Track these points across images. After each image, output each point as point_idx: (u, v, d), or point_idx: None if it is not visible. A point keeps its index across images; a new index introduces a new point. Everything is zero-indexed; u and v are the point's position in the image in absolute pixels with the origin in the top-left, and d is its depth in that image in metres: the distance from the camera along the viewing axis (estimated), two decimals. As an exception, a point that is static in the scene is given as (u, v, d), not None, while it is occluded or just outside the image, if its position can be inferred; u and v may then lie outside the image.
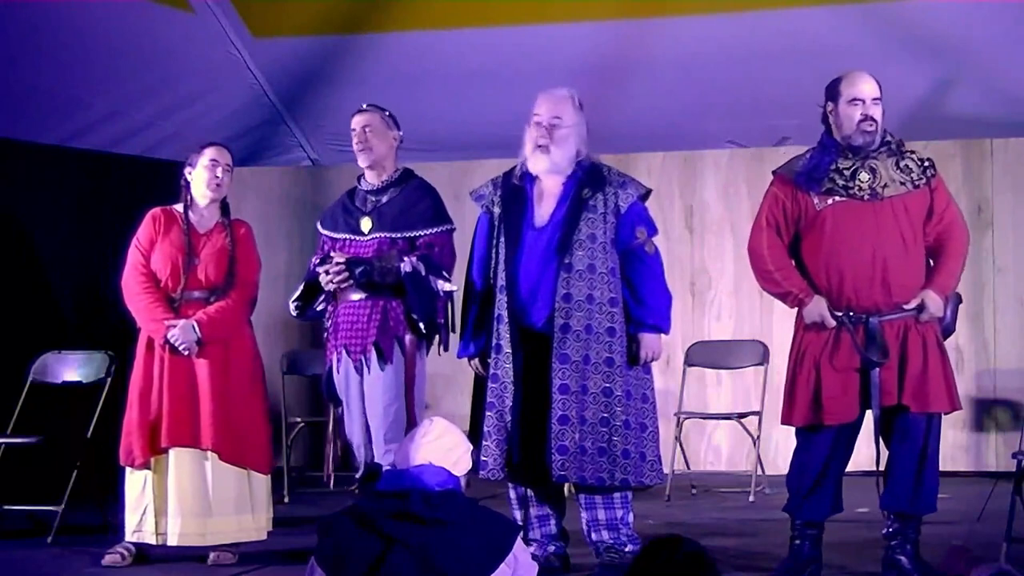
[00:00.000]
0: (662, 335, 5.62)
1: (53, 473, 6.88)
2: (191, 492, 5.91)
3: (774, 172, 5.60)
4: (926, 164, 5.46)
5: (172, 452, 5.92)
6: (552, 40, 8.53)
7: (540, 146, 5.58)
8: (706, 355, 8.31)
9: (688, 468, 8.14)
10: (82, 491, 6.78)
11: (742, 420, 7.99)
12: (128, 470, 5.99)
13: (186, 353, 5.94)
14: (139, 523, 5.96)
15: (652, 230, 5.66)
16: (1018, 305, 8.51)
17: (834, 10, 8.18)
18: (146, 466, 5.94)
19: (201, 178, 6.06)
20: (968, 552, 5.63)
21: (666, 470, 6.22)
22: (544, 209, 5.63)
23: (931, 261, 5.47)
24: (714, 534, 6.55)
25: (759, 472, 7.76)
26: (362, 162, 6.04)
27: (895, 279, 5.34)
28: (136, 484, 5.98)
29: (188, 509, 5.90)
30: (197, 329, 5.93)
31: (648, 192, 5.72)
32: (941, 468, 5.48)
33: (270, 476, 6.15)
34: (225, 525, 5.97)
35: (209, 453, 5.92)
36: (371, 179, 6.06)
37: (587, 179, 5.60)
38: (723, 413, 8.41)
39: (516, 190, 5.67)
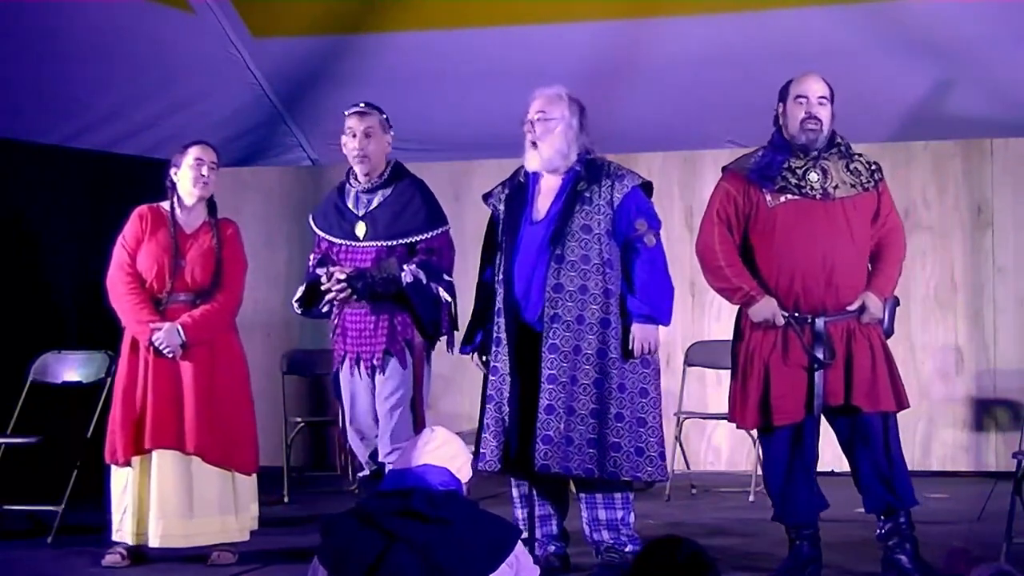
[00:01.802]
0: (659, 327, 5.59)
1: (53, 473, 6.87)
2: (174, 493, 5.88)
3: (724, 168, 5.61)
4: (873, 168, 5.51)
5: (155, 453, 5.90)
6: (552, 40, 8.52)
7: (531, 143, 5.60)
8: (706, 355, 8.29)
9: (688, 468, 8.14)
10: (82, 491, 6.77)
11: (742, 420, 7.98)
12: (113, 468, 5.99)
13: (170, 356, 5.93)
14: (119, 523, 5.95)
15: (654, 223, 5.62)
16: (1018, 305, 8.50)
17: (834, 10, 8.17)
18: (128, 464, 5.92)
19: (187, 177, 6.04)
20: (968, 553, 5.64)
21: (666, 469, 6.20)
22: (542, 204, 5.63)
23: (870, 265, 5.50)
24: (714, 534, 6.55)
25: (759, 472, 7.74)
26: (359, 169, 6.03)
27: (843, 280, 5.38)
28: (119, 483, 5.97)
29: (171, 510, 5.88)
30: (182, 333, 5.91)
31: (648, 184, 5.70)
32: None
33: (255, 476, 6.11)
34: (208, 526, 5.95)
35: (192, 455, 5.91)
36: (362, 180, 6.06)
37: (585, 173, 5.60)
38: (723, 413, 8.32)
39: (520, 188, 5.68)
